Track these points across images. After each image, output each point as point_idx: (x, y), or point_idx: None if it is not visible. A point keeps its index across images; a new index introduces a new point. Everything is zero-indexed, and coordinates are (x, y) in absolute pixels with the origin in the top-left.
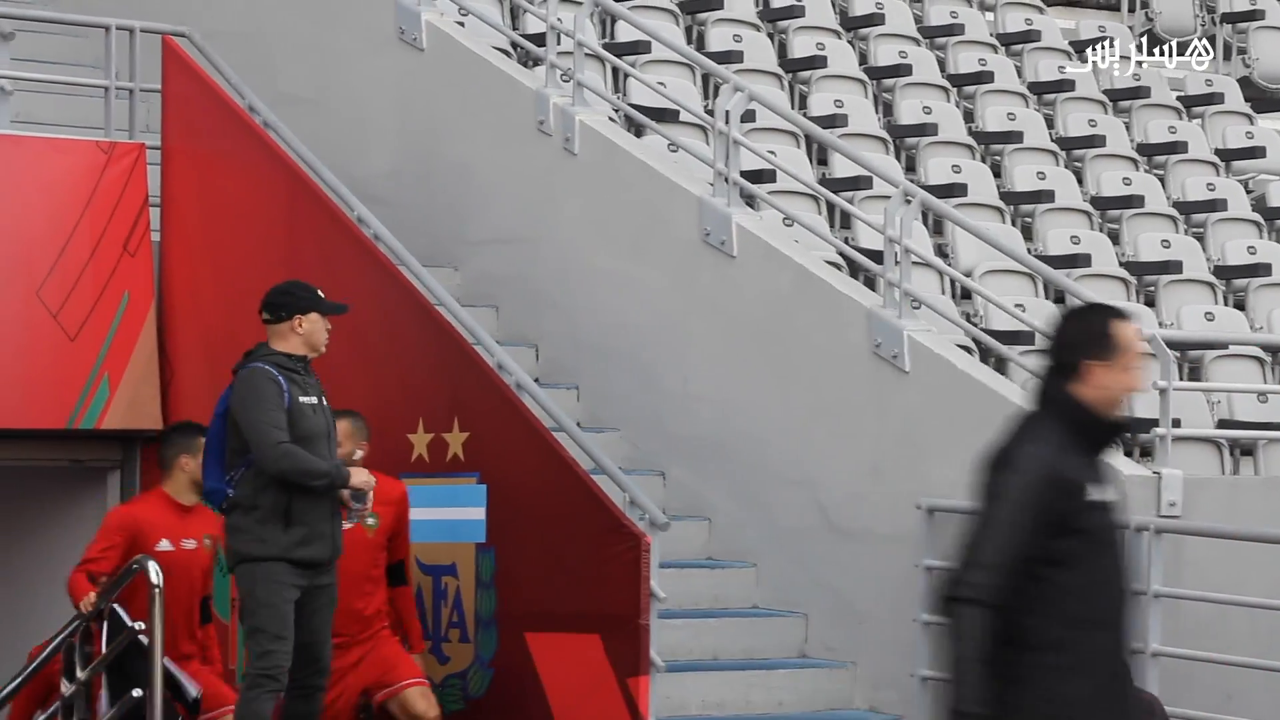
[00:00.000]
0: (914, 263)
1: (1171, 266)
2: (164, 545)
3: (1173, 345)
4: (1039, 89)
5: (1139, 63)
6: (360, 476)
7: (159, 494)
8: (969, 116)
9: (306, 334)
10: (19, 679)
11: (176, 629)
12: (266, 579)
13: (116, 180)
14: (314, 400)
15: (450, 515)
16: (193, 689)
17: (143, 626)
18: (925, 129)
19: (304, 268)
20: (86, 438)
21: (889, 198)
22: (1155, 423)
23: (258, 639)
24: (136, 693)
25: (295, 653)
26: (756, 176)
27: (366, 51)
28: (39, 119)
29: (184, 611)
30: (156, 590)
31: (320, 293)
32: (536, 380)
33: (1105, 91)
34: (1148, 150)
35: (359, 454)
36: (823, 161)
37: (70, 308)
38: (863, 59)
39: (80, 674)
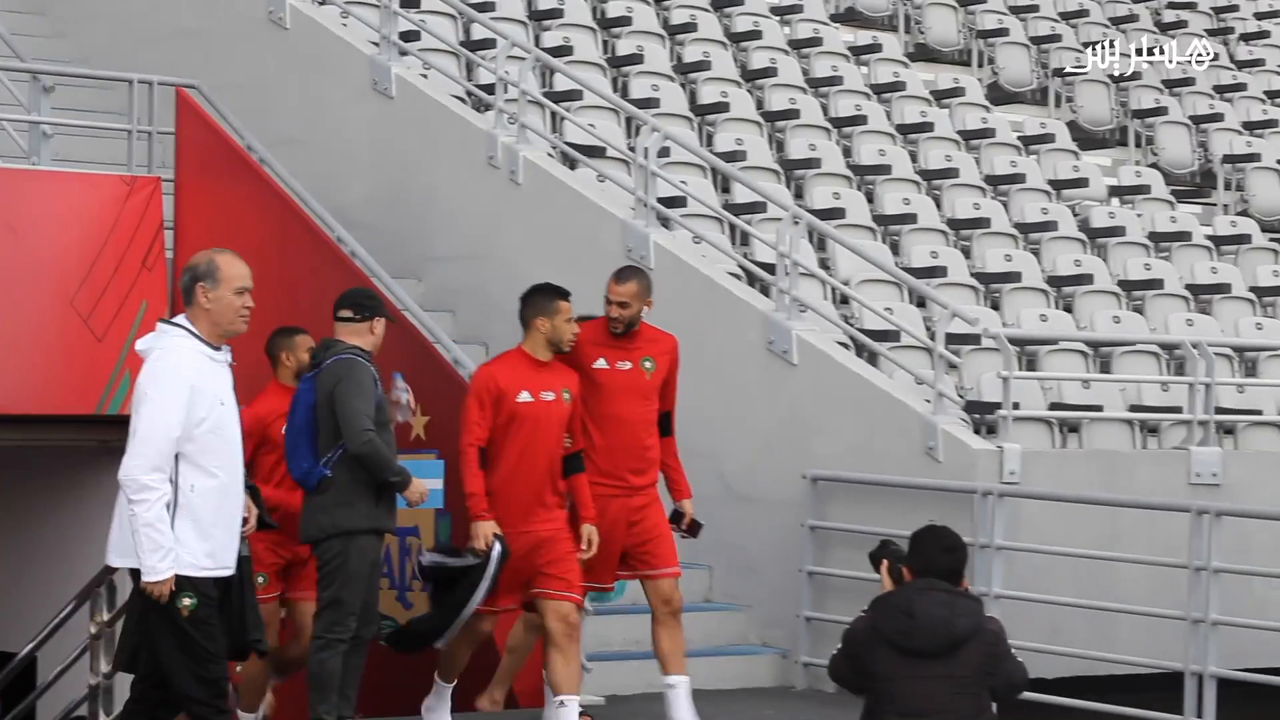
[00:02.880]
0: (801, 274)
1: (1012, 276)
2: (524, 397)
3: (1013, 341)
4: (905, 130)
5: (986, 107)
6: (418, 490)
7: (518, 352)
8: (847, 153)
9: (379, 335)
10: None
11: (540, 479)
12: (360, 553)
13: (137, 208)
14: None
15: None
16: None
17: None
18: (811, 163)
19: (294, 280)
20: (111, 422)
21: (781, 220)
22: (999, 405)
23: (337, 609)
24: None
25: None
26: (670, 202)
27: (346, 100)
28: (73, 157)
29: (546, 462)
30: None
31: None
32: None
33: (959, 132)
34: (994, 180)
35: (646, 310)
36: (726, 190)
37: (98, 313)
38: (759, 104)
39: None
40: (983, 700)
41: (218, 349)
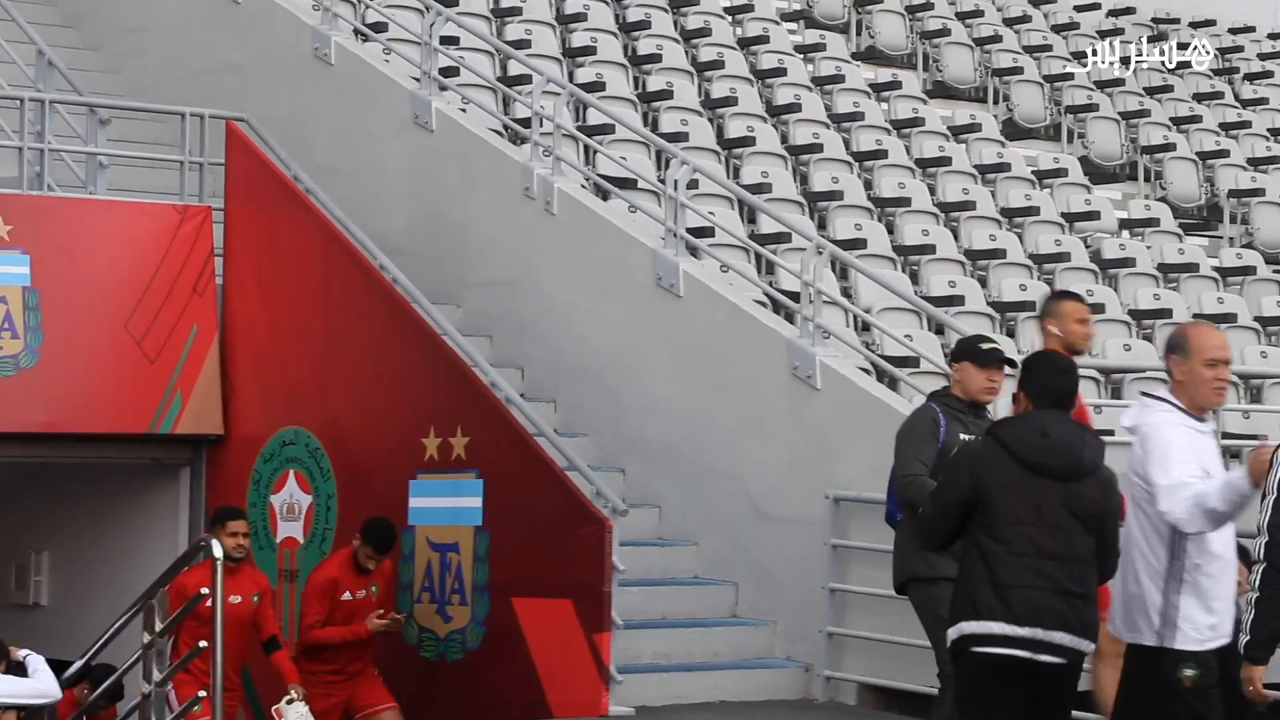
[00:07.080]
0: (824, 301)
1: (1027, 305)
2: None
3: None
4: (924, 164)
5: (1001, 142)
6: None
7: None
8: (868, 186)
9: (960, 380)
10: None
11: None
12: (945, 600)
13: (188, 235)
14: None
15: (453, 503)
16: None
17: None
18: (834, 195)
19: (336, 306)
20: (163, 440)
21: (805, 250)
22: None
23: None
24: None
25: None
26: (699, 232)
27: (388, 132)
28: (128, 186)
29: None
30: (218, 578)
31: (982, 344)
32: (522, 395)
33: (976, 166)
34: (1009, 213)
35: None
36: (752, 220)
37: (151, 336)
38: (784, 139)
39: (157, 675)
40: (1090, 547)
41: (1201, 420)
